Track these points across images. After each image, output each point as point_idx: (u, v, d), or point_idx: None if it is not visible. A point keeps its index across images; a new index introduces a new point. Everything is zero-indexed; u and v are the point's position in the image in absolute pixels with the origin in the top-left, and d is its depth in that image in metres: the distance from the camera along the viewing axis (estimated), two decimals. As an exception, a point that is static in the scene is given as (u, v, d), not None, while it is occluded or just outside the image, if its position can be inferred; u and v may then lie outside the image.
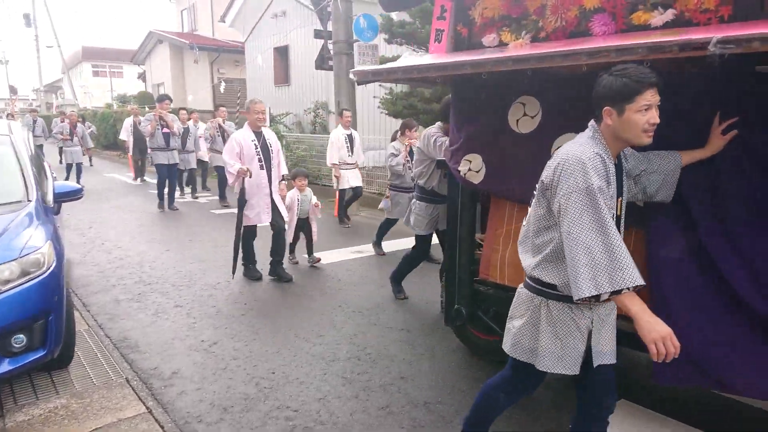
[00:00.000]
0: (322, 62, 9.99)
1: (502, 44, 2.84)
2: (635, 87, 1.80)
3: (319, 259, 5.76)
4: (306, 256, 5.80)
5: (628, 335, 2.22)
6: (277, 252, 5.23)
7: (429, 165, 4.09)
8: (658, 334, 1.68)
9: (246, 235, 5.11)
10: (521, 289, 2.11)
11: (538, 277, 1.98)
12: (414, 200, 4.32)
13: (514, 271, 2.96)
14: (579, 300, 1.78)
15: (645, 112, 1.80)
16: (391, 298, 4.74)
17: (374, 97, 10.20)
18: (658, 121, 1.82)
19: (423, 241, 4.45)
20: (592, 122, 1.99)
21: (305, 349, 3.71)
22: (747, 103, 2.16)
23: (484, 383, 2.31)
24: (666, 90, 1.90)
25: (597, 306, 1.94)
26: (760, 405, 2.85)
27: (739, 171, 2.22)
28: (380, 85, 9.84)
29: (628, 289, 1.70)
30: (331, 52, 9.61)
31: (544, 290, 1.99)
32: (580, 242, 1.75)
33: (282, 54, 16.00)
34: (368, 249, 6.42)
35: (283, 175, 5.25)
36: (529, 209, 2.08)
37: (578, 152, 1.84)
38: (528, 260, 2.04)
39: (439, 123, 4.14)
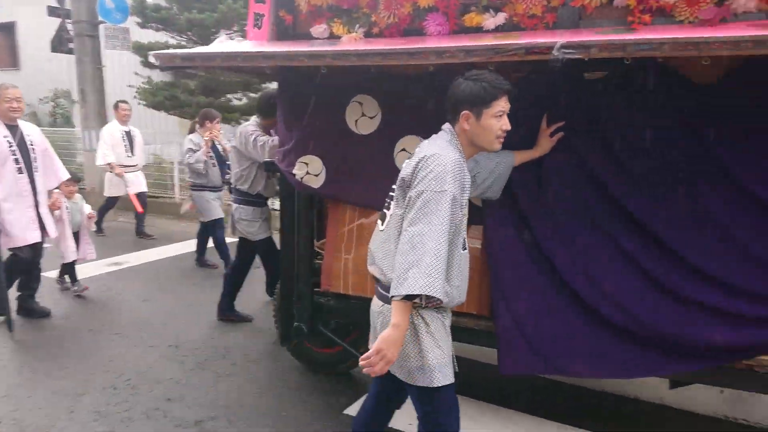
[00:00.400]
0: (59, 44, 8.60)
1: (333, 37, 2.62)
2: (493, 92, 1.78)
3: (85, 288, 4.70)
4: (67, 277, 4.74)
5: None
6: (27, 285, 4.17)
7: (251, 168, 3.67)
8: (388, 353, 1.62)
9: (12, 264, 3.99)
10: (386, 306, 1.85)
11: None
12: (237, 207, 3.82)
13: (359, 279, 2.79)
14: (401, 297, 1.63)
15: (499, 118, 1.80)
16: (154, 313, 4.24)
17: (129, 86, 8.99)
18: (509, 127, 1.83)
19: (255, 248, 3.94)
20: (447, 126, 1.90)
21: (45, 386, 3.12)
22: (573, 107, 2.31)
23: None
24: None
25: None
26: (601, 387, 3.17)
27: (563, 171, 2.38)
28: (136, 73, 8.84)
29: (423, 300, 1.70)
30: (72, 32, 8.32)
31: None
32: (413, 240, 1.65)
33: (7, 32, 13.41)
34: (126, 260, 5.72)
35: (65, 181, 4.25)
36: (387, 212, 1.90)
37: (441, 155, 1.75)
38: (389, 269, 1.83)
39: (255, 119, 3.75)
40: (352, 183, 2.69)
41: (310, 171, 2.73)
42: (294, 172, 2.75)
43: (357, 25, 2.55)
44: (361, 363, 1.66)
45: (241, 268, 4.03)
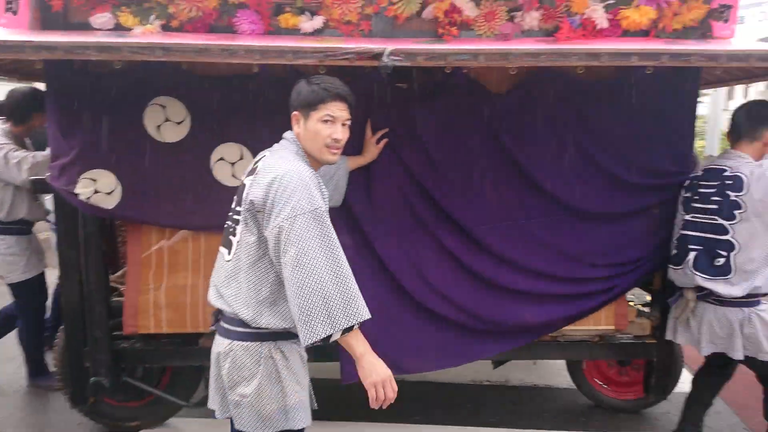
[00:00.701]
0: None
1: (121, 28, 2.21)
2: (321, 94, 1.65)
3: None
4: None
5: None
6: None
7: (4, 190, 2.88)
8: (379, 377, 1.53)
9: None
10: (236, 343, 1.63)
11: (263, 325, 1.61)
12: None
13: (175, 313, 2.43)
14: (311, 344, 1.50)
15: (327, 124, 1.66)
16: None
17: None
18: (341, 137, 1.69)
19: (30, 289, 3.08)
20: (289, 134, 1.75)
21: None
22: (394, 114, 2.36)
23: None
24: None
25: None
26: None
27: (389, 175, 2.43)
28: None
29: (358, 324, 1.54)
30: None
31: (271, 333, 1.63)
32: (311, 274, 1.49)
33: None
34: None
35: None
36: (233, 239, 1.66)
37: (295, 169, 1.58)
38: (241, 306, 1.61)
39: (1, 126, 2.98)
40: (160, 200, 2.32)
41: (100, 188, 2.26)
42: (76, 191, 2.24)
43: (152, 17, 2.20)
44: (374, 405, 1.53)
45: (33, 317, 3.14)
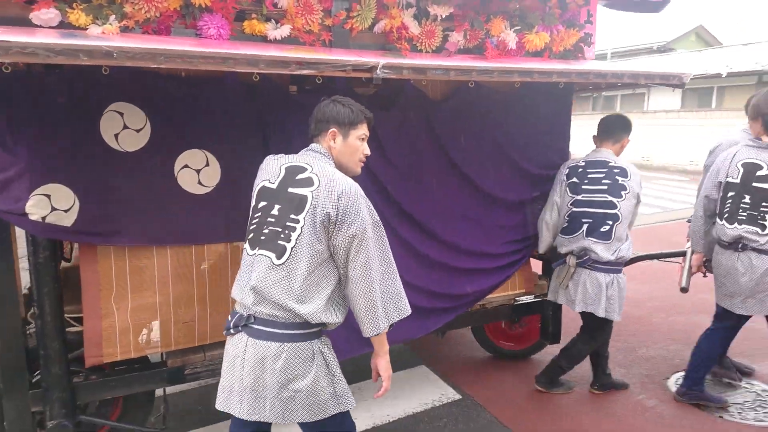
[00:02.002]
0: None
1: (68, 26, 1.98)
2: (360, 116, 1.90)
3: None
4: None
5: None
6: None
7: None
8: (391, 372, 1.88)
9: None
10: (288, 345, 1.70)
11: (323, 321, 1.74)
12: None
13: (146, 333, 2.26)
14: (374, 335, 1.78)
15: (362, 141, 1.92)
16: None
17: None
18: (369, 153, 1.96)
19: None
20: (318, 147, 1.88)
21: None
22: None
23: None
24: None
25: None
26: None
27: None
28: None
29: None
30: None
31: (317, 331, 1.78)
32: (376, 276, 1.75)
33: None
34: None
35: None
36: (286, 243, 1.71)
37: (353, 183, 1.79)
38: (300, 305, 1.71)
39: None
40: (123, 214, 2.14)
41: (57, 206, 2.00)
42: (27, 210, 1.95)
43: (112, 17, 2.02)
44: (380, 394, 1.87)
45: None
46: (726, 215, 2.83)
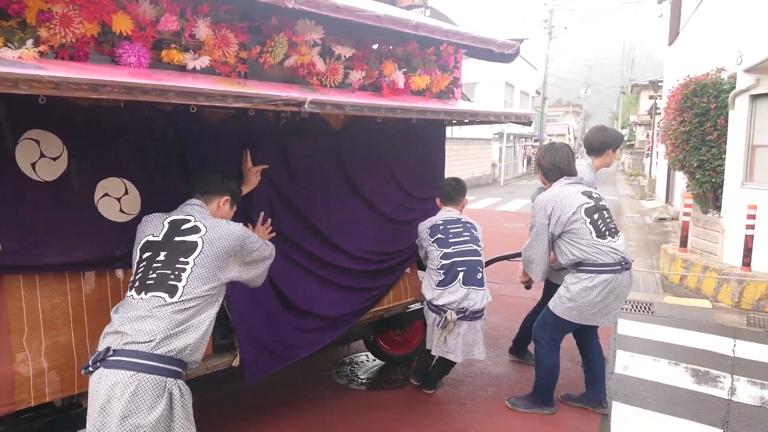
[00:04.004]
0: None
1: (-29, 47, 1.84)
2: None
3: None
4: None
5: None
6: None
7: None
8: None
9: None
10: (142, 376, 1.75)
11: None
12: None
13: (64, 374, 2.12)
14: None
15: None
16: None
17: None
18: None
19: None
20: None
21: None
22: (269, 146, 2.71)
23: None
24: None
25: None
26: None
27: (264, 197, 2.76)
28: None
29: None
30: None
31: (175, 369, 1.86)
32: None
33: None
34: None
35: None
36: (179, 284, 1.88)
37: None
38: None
39: None
40: (42, 247, 2.01)
41: (-31, 240, 1.82)
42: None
43: (31, 41, 1.92)
44: None
45: None
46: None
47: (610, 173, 32.54)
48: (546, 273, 3.30)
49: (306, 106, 2.29)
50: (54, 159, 2.06)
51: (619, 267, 3.06)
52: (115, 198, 2.24)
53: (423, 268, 3.78)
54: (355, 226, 3.21)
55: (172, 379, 1.82)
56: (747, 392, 3.76)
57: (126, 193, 2.27)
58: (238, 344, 2.69)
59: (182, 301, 1.86)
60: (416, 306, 3.75)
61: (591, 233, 3.05)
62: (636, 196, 18.97)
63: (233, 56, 2.53)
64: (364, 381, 3.85)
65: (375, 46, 3.12)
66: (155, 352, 1.77)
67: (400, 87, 3.18)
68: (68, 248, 2.09)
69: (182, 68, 2.36)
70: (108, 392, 1.70)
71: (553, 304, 3.20)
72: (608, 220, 3.16)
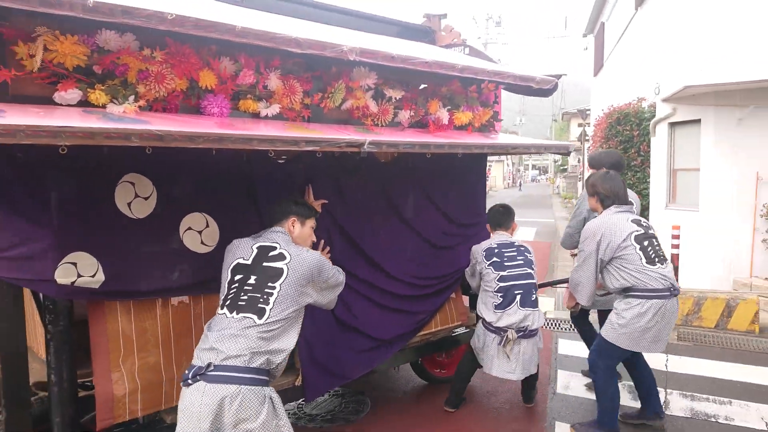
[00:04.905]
0: None
1: (88, 104, 2.14)
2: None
3: None
4: None
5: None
6: None
7: None
8: None
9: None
10: (245, 387, 1.99)
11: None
12: None
13: (152, 392, 2.36)
14: None
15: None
16: None
17: None
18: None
19: None
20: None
21: None
22: (327, 180, 2.96)
23: None
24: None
25: None
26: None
27: (325, 231, 3.01)
28: None
29: None
30: None
31: (267, 379, 2.10)
32: None
33: None
34: None
35: None
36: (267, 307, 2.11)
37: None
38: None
39: None
40: (139, 275, 2.28)
41: (83, 272, 2.10)
42: (58, 278, 2.02)
43: (132, 97, 2.22)
44: None
45: None
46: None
47: (547, 196, 33.43)
48: (592, 297, 3.41)
49: (366, 146, 2.53)
50: (145, 198, 2.34)
51: (668, 293, 3.17)
52: (197, 231, 2.50)
53: (466, 292, 3.95)
54: (402, 253, 3.41)
55: (267, 388, 2.07)
56: (679, 405, 3.91)
57: (207, 226, 2.54)
58: (301, 365, 2.90)
59: (269, 323, 2.08)
60: (461, 330, 3.90)
61: (641, 259, 3.19)
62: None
63: (299, 103, 2.80)
64: (312, 416, 3.74)
65: (421, 86, 3.36)
66: (250, 366, 2.00)
67: (445, 123, 3.41)
68: (158, 277, 2.35)
69: (256, 115, 2.65)
70: (217, 405, 1.93)
71: (605, 331, 3.31)
72: (657, 248, 3.29)
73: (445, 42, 4.31)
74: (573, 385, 4.30)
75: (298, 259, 2.25)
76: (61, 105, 2.09)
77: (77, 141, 1.75)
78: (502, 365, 3.42)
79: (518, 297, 3.42)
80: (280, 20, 2.90)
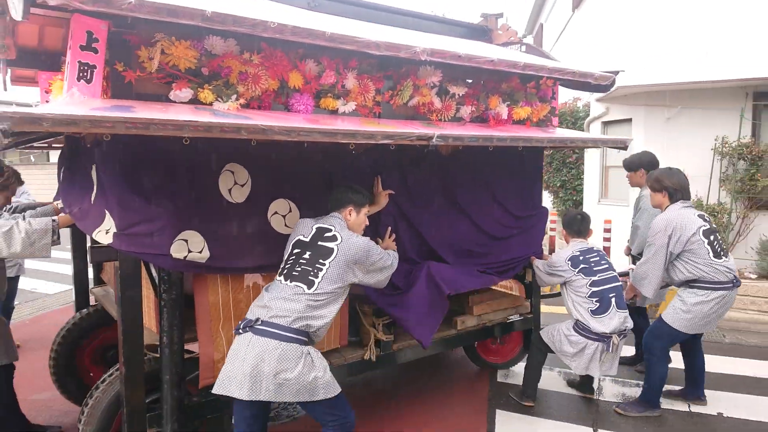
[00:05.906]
0: None
1: (198, 102, 2.44)
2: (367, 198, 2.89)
3: None
4: None
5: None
6: None
7: None
8: None
9: None
10: (285, 344, 2.25)
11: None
12: None
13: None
14: None
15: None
16: None
17: None
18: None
19: None
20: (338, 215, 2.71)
21: None
22: (394, 173, 3.20)
23: None
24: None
25: None
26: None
27: (391, 215, 3.25)
28: None
29: None
30: None
31: (306, 339, 2.36)
32: None
33: None
34: None
35: None
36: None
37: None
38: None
39: None
40: (236, 253, 2.59)
41: (192, 248, 2.41)
42: (173, 253, 2.34)
43: (234, 96, 2.51)
44: None
45: None
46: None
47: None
48: (658, 290, 3.54)
49: (434, 140, 2.75)
50: (242, 185, 2.64)
51: (731, 285, 3.36)
52: (281, 215, 2.79)
53: (522, 280, 4.12)
54: (460, 242, 3.61)
55: (306, 346, 2.33)
56: (611, 391, 4.14)
57: (290, 211, 2.82)
58: (405, 329, 3.20)
59: (316, 294, 2.37)
60: (515, 317, 4.08)
61: (709, 253, 3.35)
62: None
63: (371, 100, 3.05)
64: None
65: (482, 82, 3.55)
66: (292, 326, 2.28)
67: (504, 118, 3.58)
68: (250, 254, 2.64)
69: (334, 112, 2.91)
70: (259, 355, 2.22)
71: (667, 315, 3.46)
72: (721, 242, 3.44)
73: (502, 40, 4.47)
74: (514, 374, 4.39)
75: (348, 242, 2.51)
76: (174, 102, 2.41)
77: (198, 134, 2.05)
78: (603, 366, 3.48)
79: (613, 300, 3.46)
80: (348, 23, 3.15)
